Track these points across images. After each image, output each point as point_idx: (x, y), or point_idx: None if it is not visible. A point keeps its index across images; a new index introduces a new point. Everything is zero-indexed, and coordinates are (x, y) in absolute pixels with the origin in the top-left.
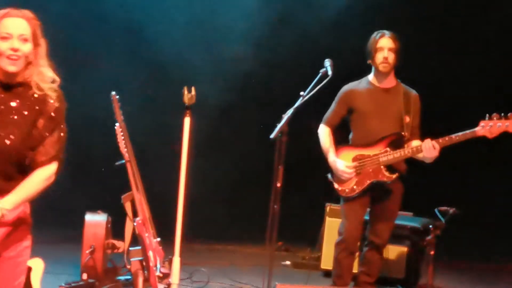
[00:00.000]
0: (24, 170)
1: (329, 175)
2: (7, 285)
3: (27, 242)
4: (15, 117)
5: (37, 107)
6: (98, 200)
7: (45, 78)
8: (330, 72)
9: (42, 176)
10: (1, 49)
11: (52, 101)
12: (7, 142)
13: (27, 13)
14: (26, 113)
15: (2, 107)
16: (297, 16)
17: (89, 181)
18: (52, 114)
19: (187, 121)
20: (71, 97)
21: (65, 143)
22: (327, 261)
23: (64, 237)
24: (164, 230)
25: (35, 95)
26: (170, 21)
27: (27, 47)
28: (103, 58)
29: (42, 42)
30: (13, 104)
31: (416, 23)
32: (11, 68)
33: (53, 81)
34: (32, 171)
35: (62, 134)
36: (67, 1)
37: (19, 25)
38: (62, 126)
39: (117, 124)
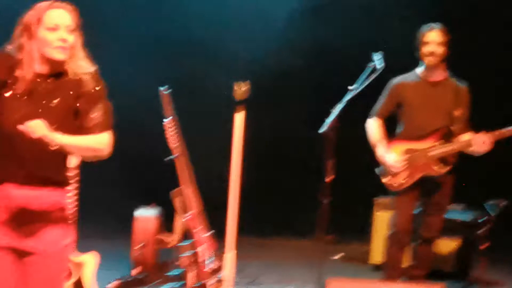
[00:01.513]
0: (64, 159)
1: (377, 169)
2: (48, 282)
3: (68, 240)
4: (55, 104)
5: (73, 91)
6: (152, 194)
7: (82, 66)
8: (381, 65)
9: (96, 138)
10: (48, 39)
11: (88, 81)
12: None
13: (69, 4)
14: (64, 99)
15: (43, 96)
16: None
17: (143, 175)
18: (92, 91)
19: (238, 117)
20: (119, 94)
21: (112, 116)
22: (376, 255)
23: (114, 231)
24: (217, 223)
25: (73, 81)
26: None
27: (72, 38)
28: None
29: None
30: (53, 92)
31: (471, 11)
32: (60, 55)
33: (90, 69)
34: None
35: (107, 107)
36: None
37: (64, 16)
38: (105, 100)
39: (165, 120)
